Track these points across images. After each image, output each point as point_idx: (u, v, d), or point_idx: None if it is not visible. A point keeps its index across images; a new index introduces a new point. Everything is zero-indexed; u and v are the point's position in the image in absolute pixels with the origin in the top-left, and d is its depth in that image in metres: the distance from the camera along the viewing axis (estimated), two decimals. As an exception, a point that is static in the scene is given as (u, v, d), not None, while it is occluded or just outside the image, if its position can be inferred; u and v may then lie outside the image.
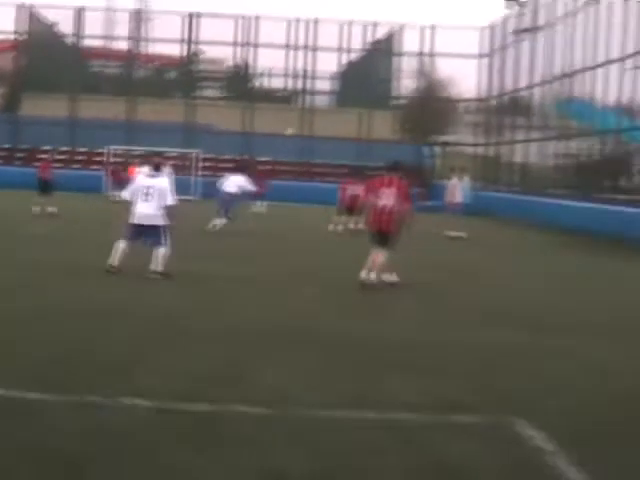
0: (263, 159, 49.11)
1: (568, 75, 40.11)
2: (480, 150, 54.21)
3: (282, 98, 61.15)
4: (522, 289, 17.69)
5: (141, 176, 16.84)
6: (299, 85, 58.39)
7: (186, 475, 6.13)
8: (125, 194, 16.51)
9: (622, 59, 33.85)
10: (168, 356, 9.67)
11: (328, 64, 57.58)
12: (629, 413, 8.32)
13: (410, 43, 56.90)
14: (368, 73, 58.45)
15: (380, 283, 15.82)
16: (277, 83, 60.61)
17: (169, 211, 15.88)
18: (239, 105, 55.40)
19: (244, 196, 28.75)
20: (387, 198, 16.04)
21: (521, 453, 6.90)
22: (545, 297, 16.69)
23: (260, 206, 37.87)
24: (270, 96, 60.46)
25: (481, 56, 55.01)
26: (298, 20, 55.68)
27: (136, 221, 15.85)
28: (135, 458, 6.40)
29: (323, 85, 60.03)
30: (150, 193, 15.79)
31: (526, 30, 45.60)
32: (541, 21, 43.88)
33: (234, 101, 57.93)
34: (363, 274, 15.79)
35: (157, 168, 16.71)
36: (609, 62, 35.13)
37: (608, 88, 35.73)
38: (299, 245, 25.29)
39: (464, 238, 28.36)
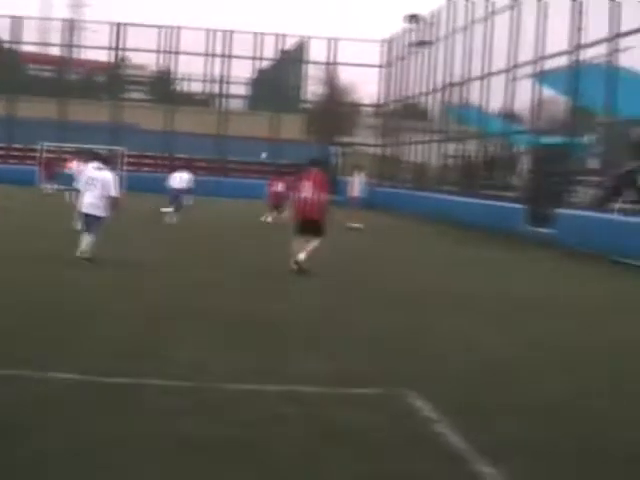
0: (181, 156, 48.68)
1: (459, 83, 40.30)
2: (380, 150, 54.56)
3: (201, 101, 60.90)
4: (411, 273, 17.94)
5: (89, 169, 16.56)
6: (216, 89, 58.00)
7: (107, 442, 6.05)
8: (78, 185, 16.88)
9: (507, 70, 34.05)
10: (92, 334, 9.56)
11: (243, 71, 57.48)
12: (502, 384, 8.47)
13: (317, 53, 57.01)
14: (279, 79, 58.58)
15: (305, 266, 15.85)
16: (196, 87, 60.29)
17: (111, 202, 15.81)
18: (162, 107, 55.24)
19: (189, 190, 29.17)
20: (307, 190, 16.26)
21: (412, 422, 6.92)
22: (429, 279, 16.98)
23: (187, 200, 37.47)
24: (190, 99, 60.21)
25: (381, 66, 55.42)
26: (216, 30, 55.64)
27: (83, 209, 15.91)
28: (60, 427, 6.32)
29: (238, 90, 59.94)
30: (94, 184, 15.77)
31: (422, 43, 45.94)
32: (436, 35, 43.99)
33: (157, 103, 57.61)
34: (299, 256, 15.89)
35: (104, 162, 16.69)
36: (496, 73, 35.49)
37: (493, 96, 36.29)
38: (220, 233, 25.24)
39: (362, 229, 28.48)
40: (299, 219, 16.43)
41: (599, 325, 12.64)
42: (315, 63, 58.32)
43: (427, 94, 45.99)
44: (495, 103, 36.38)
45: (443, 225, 33.07)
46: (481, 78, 37.12)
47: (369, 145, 55.97)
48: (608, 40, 26.18)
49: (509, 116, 35.22)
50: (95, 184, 15.74)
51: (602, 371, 9.44)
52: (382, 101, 56.02)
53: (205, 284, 14.13)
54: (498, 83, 35.00)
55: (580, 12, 28.05)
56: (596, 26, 26.88)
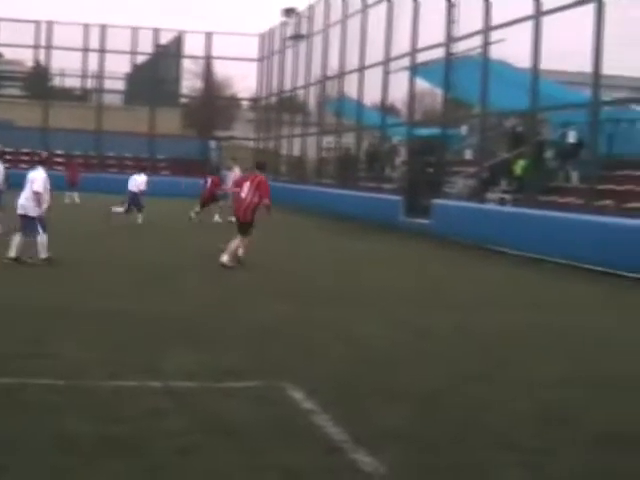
0: (59, 152, 47.49)
1: (336, 76, 40.24)
2: (258, 144, 54.29)
3: (77, 96, 59.57)
4: (292, 266, 17.86)
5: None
6: (93, 85, 56.82)
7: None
8: None
9: (383, 63, 34.03)
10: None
11: (119, 66, 56.18)
12: (382, 375, 8.45)
13: (194, 47, 56.37)
14: (156, 74, 57.43)
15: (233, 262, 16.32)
16: (73, 83, 58.82)
17: (34, 197, 15.44)
18: (38, 103, 53.85)
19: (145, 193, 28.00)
20: (245, 192, 16.80)
21: (291, 414, 6.91)
22: (310, 272, 16.98)
23: (70, 196, 36.51)
24: (67, 94, 58.82)
25: (258, 59, 55.13)
26: (91, 25, 54.39)
27: (18, 211, 15.74)
28: None
29: (115, 85, 58.69)
30: (25, 184, 15.65)
31: (299, 36, 45.75)
32: (312, 29, 43.81)
33: (33, 99, 56.08)
34: (240, 253, 16.63)
35: (40, 163, 16.55)
36: (372, 65, 35.45)
37: (369, 89, 36.19)
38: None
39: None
40: (237, 218, 17.13)
41: (482, 314, 12.73)
42: (192, 57, 57.60)
43: (304, 87, 45.95)
44: (372, 96, 36.39)
45: (323, 218, 33.10)
46: (357, 71, 37.11)
47: (247, 139, 55.92)
48: (481, 33, 26.26)
49: (386, 108, 35.25)
50: (26, 184, 15.57)
51: (485, 359, 9.51)
52: (260, 95, 55.83)
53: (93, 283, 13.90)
54: (374, 76, 35.00)
55: (453, 5, 28.09)
56: (469, 19, 27.01)
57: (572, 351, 10.22)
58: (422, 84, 33.01)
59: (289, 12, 47.16)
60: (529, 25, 23.71)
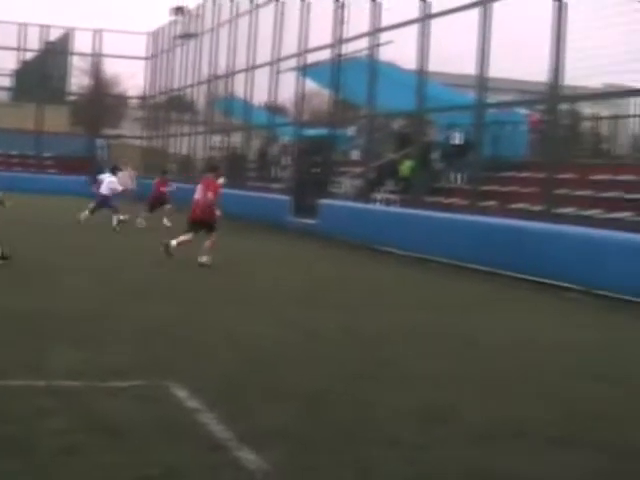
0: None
1: (225, 76, 39.86)
2: (146, 142, 53.69)
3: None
4: (181, 265, 17.29)
5: None
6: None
7: None
8: None
9: (272, 63, 33.84)
10: None
11: (7, 62, 55.03)
12: (269, 374, 8.40)
13: (82, 44, 55.57)
14: (44, 71, 56.07)
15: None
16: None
17: None
18: None
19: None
20: (199, 193, 17.54)
21: (175, 413, 6.80)
22: (200, 272, 16.63)
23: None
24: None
25: (147, 58, 54.53)
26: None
27: None
28: None
29: (2, 82, 57.36)
30: None
31: (188, 35, 45.26)
32: (201, 28, 43.34)
33: None
34: (172, 242, 17.16)
35: None
36: (261, 65, 35.43)
37: (258, 89, 36.14)
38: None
39: (126, 221, 27.01)
40: (191, 218, 17.72)
41: (369, 314, 12.71)
42: (80, 54, 56.59)
43: (193, 86, 45.55)
44: (261, 95, 36.07)
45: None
46: (246, 70, 36.81)
47: (136, 137, 55.25)
48: (369, 34, 26.20)
49: (274, 108, 34.99)
50: None
51: (371, 358, 9.47)
52: (148, 93, 55.15)
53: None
54: (263, 76, 34.75)
55: (342, 6, 27.98)
56: (358, 20, 26.95)
57: (454, 350, 10.28)
58: (312, 84, 32.83)
59: (178, 11, 46.71)
60: (417, 27, 23.70)
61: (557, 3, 18.67)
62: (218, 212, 17.69)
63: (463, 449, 6.32)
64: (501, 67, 21.08)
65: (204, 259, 16.90)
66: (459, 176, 24.18)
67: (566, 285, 16.44)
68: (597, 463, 6.17)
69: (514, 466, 6.01)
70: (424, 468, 5.89)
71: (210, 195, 17.28)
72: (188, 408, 6.91)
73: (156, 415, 6.67)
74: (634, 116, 23.38)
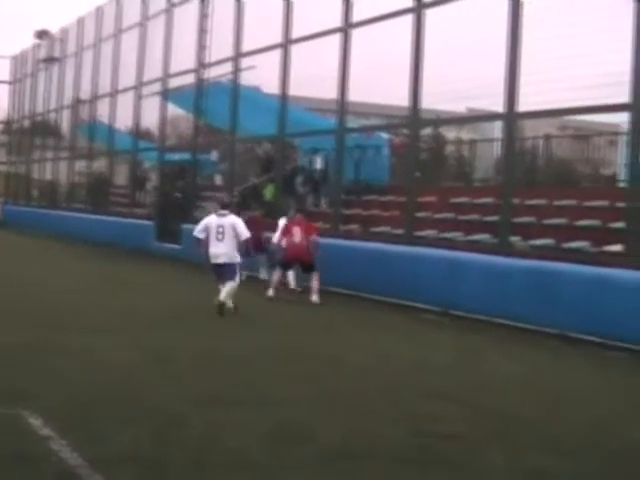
0: None
1: (89, 100, 38.88)
2: (9, 168, 51.97)
3: None
4: (46, 291, 17.22)
5: None
6: None
7: None
8: None
9: (135, 87, 33.13)
10: None
11: None
12: (120, 398, 8.21)
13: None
14: None
15: None
16: None
17: None
18: None
19: None
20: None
21: (26, 441, 6.62)
22: (66, 297, 16.47)
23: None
24: None
25: (12, 82, 52.67)
26: None
27: None
28: None
29: None
30: None
31: (51, 59, 43.94)
32: (65, 52, 42.13)
33: None
34: None
35: None
36: (124, 90, 34.60)
37: (122, 113, 35.26)
38: None
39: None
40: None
41: (229, 337, 12.61)
42: None
43: (57, 111, 44.30)
44: (124, 120, 35.14)
45: (75, 243, 32.37)
46: (110, 95, 35.88)
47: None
48: (232, 59, 25.65)
49: (139, 133, 34.06)
50: None
51: (226, 381, 9.41)
52: (12, 118, 53.51)
53: None
54: (127, 100, 33.93)
55: (205, 31, 27.36)
56: (221, 45, 26.40)
57: (312, 370, 10.25)
58: (172, 109, 32.07)
59: (42, 34, 45.33)
60: (279, 52, 23.25)
61: (418, 29, 18.42)
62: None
63: (315, 470, 6.30)
64: (366, 91, 20.84)
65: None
66: (322, 200, 23.80)
67: (425, 307, 16.41)
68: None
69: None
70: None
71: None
72: (41, 436, 6.76)
73: (8, 444, 6.51)
74: (493, 140, 23.39)
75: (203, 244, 15.16)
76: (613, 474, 6.64)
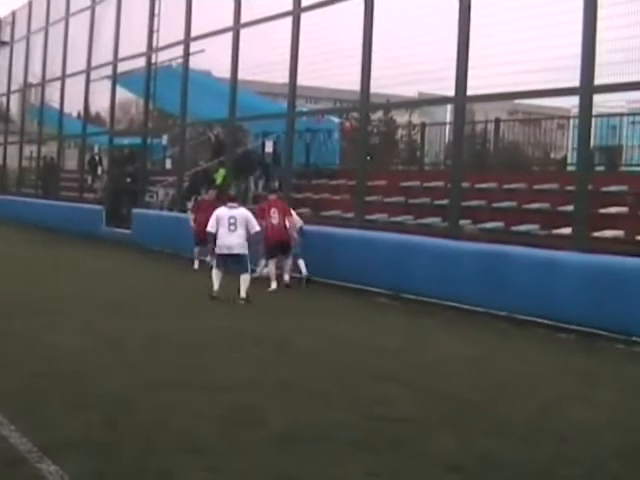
0: None
1: (39, 84, 38.55)
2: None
3: None
4: None
5: None
6: None
7: None
8: None
9: (85, 71, 32.68)
10: None
11: None
12: (70, 384, 8.15)
13: None
14: None
15: None
16: None
17: None
18: None
19: None
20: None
21: None
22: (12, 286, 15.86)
23: None
24: None
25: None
26: None
27: None
28: None
29: None
30: None
31: (1, 43, 43.22)
32: (16, 35, 41.59)
33: None
34: None
35: None
36: (74, 74, 34.04)
37: (72, 97, 34.61)
38: None
39: None
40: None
41: (177, 322, 12.47)
42: None
43: (6, 95, 43.63)
44: (74, 104, 34.67)
45: (25, 229, 31.85)
46: (60, 79, 35.35)
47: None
48: (182, 43, 25.36)
49: (89, 118, 33.65)
50: None
51: (178, 365, 9.26)
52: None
53: None
54: (77, 84, 33.52)
55: (155, 14, 27.02)
56: (171, 29, 26.09)
57: (265, 355, 10.23)
58: (122, 93, 31.69)
59: (-8, 17, 44.45)
60: (230, 36, 22.99)
61: (368, 13, 18.27)
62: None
63: (267, 454, 6.26)
64: (317, 76, 20.66)
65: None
66: (274, 184, 23.65)
67: (377, 290, 16.34)
68: (397, 465, 6.13)
69: (316, 471, 5.93)
70: (226, 475, 5.80)
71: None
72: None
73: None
74: (444, 124, 23.40)
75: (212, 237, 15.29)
76: (563, 455, 6.61)
